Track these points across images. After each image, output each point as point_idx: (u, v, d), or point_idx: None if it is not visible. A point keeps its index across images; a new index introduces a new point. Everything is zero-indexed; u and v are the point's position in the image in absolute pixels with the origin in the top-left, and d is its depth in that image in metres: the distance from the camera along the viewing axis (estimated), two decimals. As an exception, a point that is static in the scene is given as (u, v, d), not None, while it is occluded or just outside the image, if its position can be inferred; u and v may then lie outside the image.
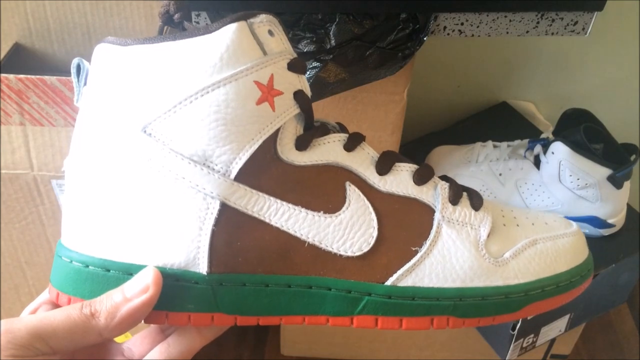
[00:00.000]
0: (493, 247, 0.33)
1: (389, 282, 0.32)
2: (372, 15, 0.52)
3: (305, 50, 0.52)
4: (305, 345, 0.93)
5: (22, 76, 0.54)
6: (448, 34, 0.56)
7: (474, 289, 0.32)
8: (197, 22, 0.54)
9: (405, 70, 0.57)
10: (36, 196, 0.61)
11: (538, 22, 0.56)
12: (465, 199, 0.34)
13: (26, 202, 0.62)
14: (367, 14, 0.52)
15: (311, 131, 0.32)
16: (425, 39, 0.54)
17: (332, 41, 0.52)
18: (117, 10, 0.67)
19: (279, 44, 0.31)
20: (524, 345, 0.74)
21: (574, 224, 0.37)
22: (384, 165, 0.33)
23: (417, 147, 0.86)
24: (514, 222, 0.35)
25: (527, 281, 0.33)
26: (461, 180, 0.74)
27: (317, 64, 0.53)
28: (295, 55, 0.32)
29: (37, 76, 0.55)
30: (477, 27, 0.56)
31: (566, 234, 0.35)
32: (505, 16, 0.55)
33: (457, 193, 0.34)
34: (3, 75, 0.54)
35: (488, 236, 0.33)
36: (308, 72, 0.53)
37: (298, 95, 0.32)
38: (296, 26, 0.52)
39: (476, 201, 0.34)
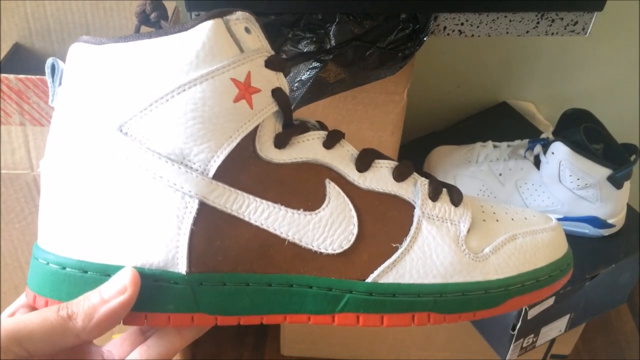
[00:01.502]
0: (473, 243, 0.33)
1: (369, 279, 0.32)
2: (372, 15, 0.52)
3: (305, 50, 0.52)
4: (305, 345, 0.93)
5: (22, 76, 0.54)
6: (448, 34, 0.56)
7: (454, 284, 0.32)
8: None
9: (405, 70, 0.57)
10: (36, 196, 0.62)
11: (538, 22, 0.56)
12: (445, 195, 0.34)
13: (26, 202, 0.62)
14: (367, 14, 0.52)
15: (290, 129, 0.32)
16: (425, 39, 0.54)
17: (332, 41, 0.52)
18: (117, 10, 0.67)
19: (256, 41, 0.31)
20: (524, 345, 0.74)
21: (554, 219, 0.36)
22: (363, 162, 0.33)
23: (417, 147, 0.86)
24: (493, 218, 0.35)
25: (507, 276, 0.33)
26: (461, 180, 0.74)
27: (317, 64, 0.53)
28: (272, 52, 0.32)
29: (37, 76, 0.55)
30: (477, 27, 0.56)
31: (545, 228, 0.35)
32: (505, 16, 0.55)
33: (436, 189, 0.33)
34: (3, 75, 0.54)
35: (468, 232, 0.33)
36: (308, 73, 0.53)
37: (276, 92, 0.31)
38: (296, 26, 0.52)
39: (456, 197, 0.34)
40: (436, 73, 0.90)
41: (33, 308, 0.32)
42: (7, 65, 0.66)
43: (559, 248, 0.35)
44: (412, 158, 0.83)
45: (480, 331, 0.79)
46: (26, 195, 0.61)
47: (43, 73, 0.55)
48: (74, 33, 0.69)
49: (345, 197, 0.32)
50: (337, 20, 0.52)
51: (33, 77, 0.55)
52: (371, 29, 0.53)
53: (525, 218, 0.35)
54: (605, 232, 0.72)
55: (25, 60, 0.69)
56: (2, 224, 0.63)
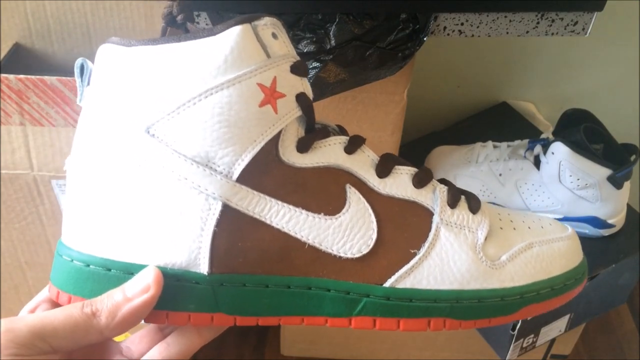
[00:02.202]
0: (490, 250, 0.33)
1: (387, 284, 0.32)
2: (372, 15, 0.52)
3: (305, 51, 0.52)
4: (305, 345, 0.93)
5: (22, 76, 0.54)
6: (448, 34, 0.56)
7: (470, 291, 0.32)
8: (197, 22, 0.54)
9: (405, 70, 0.57)
10: (36, 196, 0.61)
11: (538, 22, 0.56)
12: (463, 202, 0.34)
13: (26, 202, 0.62)
14: (367, 14, 0.52)
15: (312, 134, 0.32)
16: (425, 39, 0.54)
17: (332, 41, 0.52)
18: (117, 10, 0.67)
19: (282, 47, 0.32)
20: (524, 345, 0.74)
21: (569, 228, 0.37)
22: (384, 168, 0.33)
23: (417, 147, 0.86)
24: (510, 226, 0.35)
25: (522, 284, 0.33)
26: (461, 181, 0.74)
27: (317, 64, 0.53)
28: (298, 58, 0.33)
29: (37, 76, 0.55)
30: (477, 27, 0.56)
31: (561, 237, 0.35)
32: (505, 16, 0.55)
33: (455, 196, 0.34)
34: (3, 75, 0.54)
35: (485, 239, 0.33)
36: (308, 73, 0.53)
37: (300, 97, 0.32)
38: (296, 26, 0.52)
39: (474, 204, 0.34)
40: (436, 73, 0.90)
41: (54, 303, 0.33)
42: (7, 65, 0.66)
43: (575, 257, 0.36)
44: (412, 158, 0.83)
45: (480, 331, 0.79)
46: (26, 195, 0.61)
47: (43, 73, 0.55)
48: (74, 33, 0.69)
49: (366, 202, 0.32)
50: (337, 20, 0.52)
51: (33, 77, 0.55)
52: (371, 29, 0.53)
53: (542, 227, 0.36)
54: (605, 232, 0.72)
55: (25, 60, 0.69)
56: (2, 224, 0.63)
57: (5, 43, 0.68)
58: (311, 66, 0.53)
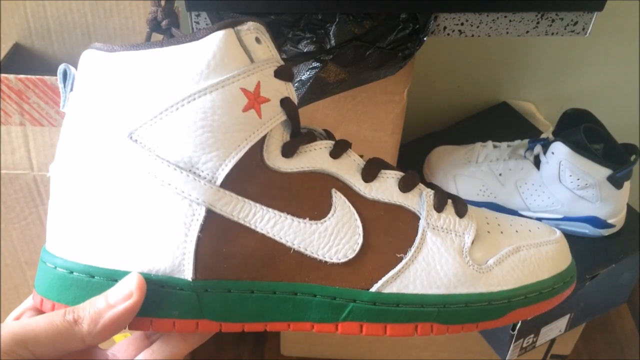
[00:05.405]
0: (477, 254, 0.33)
1: (373, 289, 0.32)
2: (372, 15, 0.52)
3: (305, 51, 0.52)
4: (305, 345, 0.93)
5: (22, 76, 0.54)
6: (448, 34, 0.56)
7: (457, 295, 0.32)
8: (197, 22, 0.54)
9: (405, 70, 0.57)
10: (36, 196, 0.61)
11: (538, 23, 0.56)
12: (450, 206, 0.34)
13: (26, 202, 0.62)
14: (367, 14, 0.52)
15: (298, 138, 0.32)
16: (425, 39, 0.54)
17: (332, 41, 0.52)
18: (117, 10, 0.67)
19: (266, 52, 0.32)
20: (524, 345, 0.74)
21: (558, 231, 0.37)
22: (369, 173, 0.33)
23: (417, 147, 0.86)
24: (498, 230, 0.35)
25: (510, 288, 0.33)
26: (461, 181, 0.74)
27: (317, 64, 0.53)
28: (282, 62, 0.33)
29: (37, 76, 0.55)
30: (477, 27, 0.56)
31: (549, 241, 0.35)
32: (505, 16, 0.55)
33: (442, 200, 0.34)
34: (3, 75, 0.54)
35: (472, 243, 0.33)
36: (308, 73, 0.53)
37: (285, 102, 0.32)
38: (296, 26, 0.52)
39: (461, 208, 0.34)
40: (436, 73, 0.90)
41: (39, 311, 0.32)
42: (7, 65, 0.66)
43: (563, 260, 0.36)
44: (412, 158, 0.83)
45: (480, 331, 0.79)
46: (26, 195, 0.61)
47: (43, 73, 0.55)
48: (74, 33, 0.69)
49: (351, 207, 0.32)
50: (337, 20, 0.52)
51: (33, 77, 0.55)
52: (371, 29, 0.53)
53: (530, 230, 0.36)
54: (605, 232, 0.72)
55: (25, 60, 0.69)
56: (2, 224, 0.63)
57: (5, 43, 0.68)
58: (311, 66, 0.53)
